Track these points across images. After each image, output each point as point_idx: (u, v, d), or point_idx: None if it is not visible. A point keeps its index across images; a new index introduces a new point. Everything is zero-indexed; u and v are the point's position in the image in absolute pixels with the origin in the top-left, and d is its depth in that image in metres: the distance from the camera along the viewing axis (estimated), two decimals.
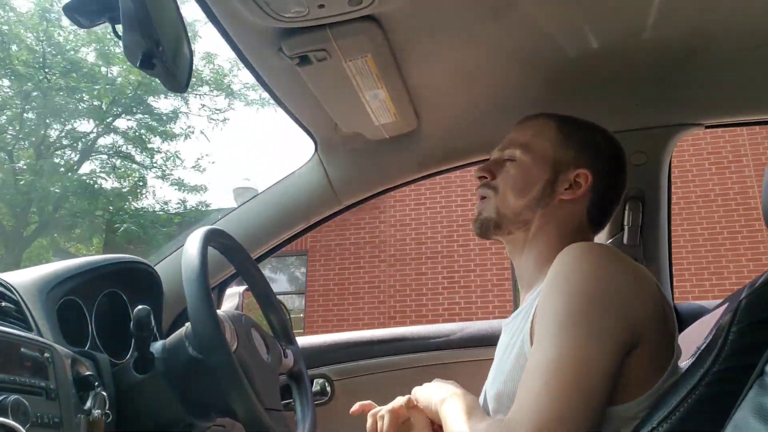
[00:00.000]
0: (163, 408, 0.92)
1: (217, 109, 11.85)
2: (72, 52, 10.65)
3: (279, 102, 1.23)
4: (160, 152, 11.54)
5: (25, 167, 10.95)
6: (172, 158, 11.48)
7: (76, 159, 11.46)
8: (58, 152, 11.44)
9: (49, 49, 10.53)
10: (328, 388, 1.51)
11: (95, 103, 10.93)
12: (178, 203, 11.42)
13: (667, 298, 0.86)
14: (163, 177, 11.49)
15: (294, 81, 1.11)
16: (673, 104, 1.29)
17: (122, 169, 11.40)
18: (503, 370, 0.88)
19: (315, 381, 1.50)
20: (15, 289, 0.93)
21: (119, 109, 11.10)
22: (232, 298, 1.39)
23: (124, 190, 11.26)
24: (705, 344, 0.73)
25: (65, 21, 10.36)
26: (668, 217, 1.38)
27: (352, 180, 1.46)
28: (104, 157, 11.55)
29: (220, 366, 0.83)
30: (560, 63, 1.18)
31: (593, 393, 0.73)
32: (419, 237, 9.05)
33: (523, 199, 0.98)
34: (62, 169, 11.15)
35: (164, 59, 0.81)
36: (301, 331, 9.03)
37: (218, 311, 0.90)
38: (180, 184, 11.33)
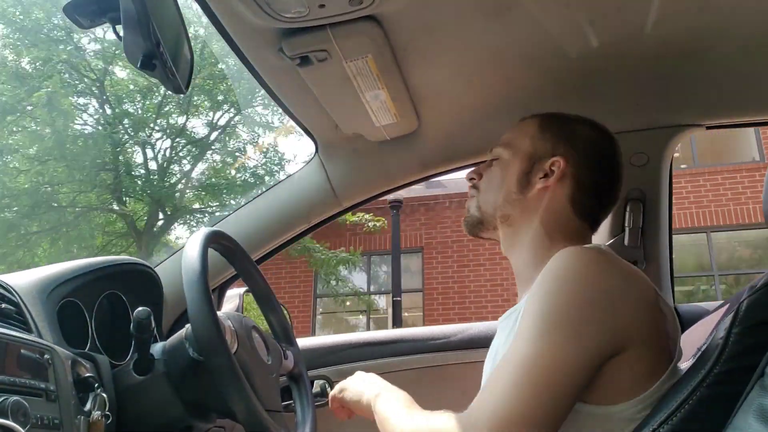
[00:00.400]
0: (163, 409, 0.92)
1: None
2: None
3: (279, 103, 1.22)
4: None
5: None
6: None
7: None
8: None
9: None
10: (329, 390, 1.50)
11: None
12: None
13: (665, 301, 0.86)
14: None
15: (294, 81, 1.11)
16: (673, 105, 1.29)
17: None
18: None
19: (315, 382, 1.50)
20: (15, 290, 0.93)
21: None
22: (233, 300, 1.39)
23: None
24: (706, 346, 0.72)
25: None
26: (669, 218, 1.37)
27: (353, 181, 1.46)
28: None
29: (221, 368, 0.83)
30: (561, 63, 1.18)
31: (560, 395, 0.74)
32: None
33: (501, 194, 1.00)
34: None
35: (165, 60, 0.81)
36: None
37: (218, 313, 0.89)
38: None
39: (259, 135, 11.92)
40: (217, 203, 11.07)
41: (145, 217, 10.88)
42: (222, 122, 11.50)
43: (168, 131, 11.21)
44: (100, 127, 10.63)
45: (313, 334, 9.74)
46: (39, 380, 0.76)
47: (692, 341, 0.91)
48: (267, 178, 11.04)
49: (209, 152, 11.61)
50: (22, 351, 0.76)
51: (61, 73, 10.22)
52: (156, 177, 10.92)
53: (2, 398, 0.68)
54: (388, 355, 1.53)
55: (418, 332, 1.58)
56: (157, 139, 11.15)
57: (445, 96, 1.27)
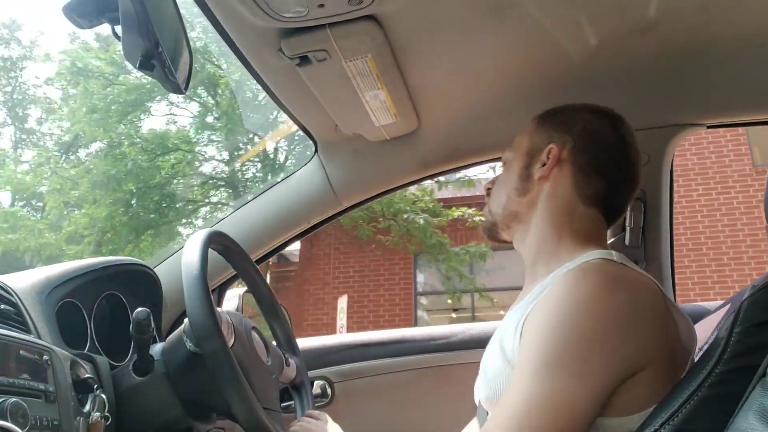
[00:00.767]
0: (163, 410, 0.92)
1: None
2: None
3: (279, 103, 1.22)
4: None
5: None
6: None
7: None
8: None
9: None
10: (329, 390, 1.50)
11: None
12: None
13: (676, 306, 0.84)
14: None
15: (294, 81, 1.11)
16: (674, 104, 1.29)
17: None
18: (489, 372, 0.88)
19: (315, 383, 1.50)
20: (14, 291, 0.93)
21: None
22: (232, 300, 1.39)
23: None
24: (707, 345, 0.72)
25: None
26: (670, 217, 1.37)
27: (353, 181, 1.46)
28: None
29: (214, 353, 0.82)
30: (561, 63, 1.17)
31: None
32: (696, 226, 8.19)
33: (505, 192, 1.02)
34: None
35: (163, 60, 0.80)
36: None
37: (217, 308, 0.89)
38: None
39: None
40: None
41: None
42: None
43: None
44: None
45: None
46: (38, 381, 0.76)
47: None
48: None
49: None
50: (21, 352, 0.76)
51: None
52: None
53: (1, 399, 0.68)
54: (389, 355, 1.53)
55: (418, 332, 1.57)
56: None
57: (444, 96, 1.27)
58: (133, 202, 9.31)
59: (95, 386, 0.85)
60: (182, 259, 0.89)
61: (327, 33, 0.96)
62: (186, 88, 0.91)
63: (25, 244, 9.45)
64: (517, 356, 0.80)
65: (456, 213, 8.40)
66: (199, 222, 10.21)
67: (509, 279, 8.15)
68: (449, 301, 9.59)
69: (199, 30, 8.85)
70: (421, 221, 8.22)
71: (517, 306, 0.92)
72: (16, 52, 15.60)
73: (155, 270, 1.28)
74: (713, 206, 8.16)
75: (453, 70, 1.18)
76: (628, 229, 1.33)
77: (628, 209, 1.33)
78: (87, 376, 0.86)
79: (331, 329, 8.83)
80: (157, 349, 0.95)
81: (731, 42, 1.13)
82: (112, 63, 9.50)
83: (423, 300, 9.86)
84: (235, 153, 10.32)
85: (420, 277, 9.72)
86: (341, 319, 8.48)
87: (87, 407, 0.82)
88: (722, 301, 1.22)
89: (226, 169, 10.37)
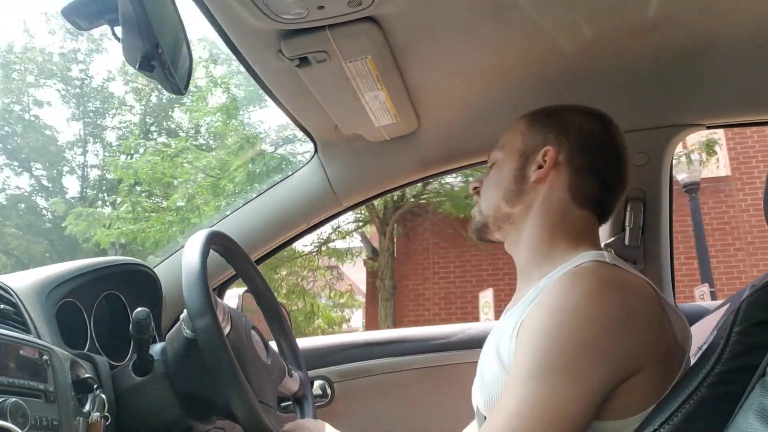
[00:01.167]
0: (163, 410, 0.92)
1: None
2: None
3: (278, 103, 1.22)
4: None
5: None
6: None
7: None
8: None
9: None
10: (329, 390, 1.50)
11: None
12: None
13: (671, 306, 0.84)
14: None
15: (294, 82, 1.11)
16: (674, 104, 1.29)
17: None
18: (487, 375, 0.87)
19: (315, 383, 1.50)
20: (13, 291, 0.93)
21: None
22: (232, 300, 1.39)
23: None
24: (707, 345, 0.72)
25: None
26: (670, 217, 1.37)
27: (353, 181, 1.46)
28: None
29: (206, 331, 0.81)
30: (560, 63, 1.17)
31: None
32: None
33: (498, 194, 1.00)
34: None
35: (163, 61, 0.80)
36: None
37: (216, 298, 0.89)
38: None
39: None
40: None
41: None
42: None
43: None
44: None
45: None
46: (38, 381, 0.76)
47: (693, 341, 0.91)
48: None
49: None
50: (21, 352, 0.76)
51: None
52: None
53: (1, 399, 0.68)
54: (388, 355, 1.53)
55: (418, 332, 1.58)
56: None
57: (444, 96, 1.27)
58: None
59: (95, 386, 0.85)
60: (182, 258, 0.89)
61: (327, 34, 0.96)
62: (186, 88, 0.91)
63: (148, 235, 8.54)
64: (512, 361, 0.80)
65: None
66: None
67: None
68: None
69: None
70: None
71: (513, 310, 0.92)
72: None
73: (155, 270, 1.28)
74: None
75: (452, 71, 1.18)
76: (627, 229, 1.33)
77: (628, 209, 1.33)
78: (87, 376, 0.86)
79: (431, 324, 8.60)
80: (156, 349, 0.95)
81: (731, 42, 1.14)
82: None
83: None
84: None
85: None
86: (487, 313, 7.90)
87: (87, 407, 0.82)
88: (721, 301, 1.22)
89: None
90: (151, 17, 0.77)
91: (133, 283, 1.21)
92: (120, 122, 15.91)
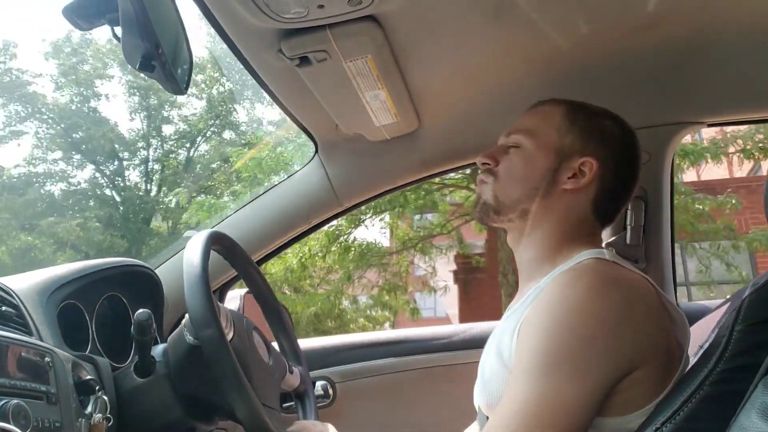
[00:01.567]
0: (165, 411, 0.92)
1: None
2: None
3: (279, 103, 1.22)
4: None
5: None
6: None
7: None
8: None
9: None
10: (330, 391, 1.50)
11: None
12: None
13: (672, 304, 0.84)
14: None
15: (294, 82, 1.11)
16: (675, 102, 1.29)
17: None
18: (487, 377, 0.87)
19: (317, 383, 1.50)
20: (15, 293, 0.93)
21: None
22: (234, 301, 1.39)
23: None
24: (708, 344, 0.72)
25: None
26: (671, 216, 1.37)
27: (353, 181, 1.46)
28: None
29: (210, 341, 0.82)
30: (561, 62, 1.17)
31: None
32: None
33: (523, 188, 0.94)
34: None
35: (164, 61, 0.80)
36: None
37: (218, 303, 0.89)
38: None
39: None
40: None
41: None
42: None
43: None
44: None
45: None
46: (40, 383, 0.76)
47: (695, 339, 0.91)
48: None
49: None
50: (23, 354, 0.76)
51: None
52: None
53: (3, 401, 0.68)
54: (390, 355, 1.53)
55: (419, 332, 1.58)
56: None
57: (445, 95, 1.27)
58: None
59: (97, 388, 0.85)
60: (184, 261, 0.89)
61: (327, 33, 0.96)
62: (186, 88, 0.91)
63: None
64: (513, 359, 0.80)
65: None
66: None
67: None
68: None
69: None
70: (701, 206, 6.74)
71: (514, 308, 0.92)
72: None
73: (156, 271, 1.28)
74: None
75: (453, 70, 1.18)
76: (629, 227, 1.33)
77: (629, 208, 1.33)
78: (88, 377, 0.86)
79: None
80: (158, 350, 0.95)
81: (732, 40, 1.13)
82: None
83: None
84: None
85: None
86: None
87: (89, 409, 0.82)
88: (723, 300, 1.22)
89: None
90: (151, 17, 0.76)
91: (135, 284, 1.21)
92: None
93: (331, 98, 1.17)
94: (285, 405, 1.35)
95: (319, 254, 7.47)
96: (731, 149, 6.51)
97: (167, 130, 15.46)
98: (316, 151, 1.42)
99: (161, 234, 14.18)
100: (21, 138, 14.44)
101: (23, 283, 0.97)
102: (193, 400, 0.93)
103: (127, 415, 0.90)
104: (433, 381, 1.50)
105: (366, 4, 0.90)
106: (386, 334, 1.61)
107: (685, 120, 1.31)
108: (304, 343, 1.48)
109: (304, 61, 1.02)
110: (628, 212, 1.33)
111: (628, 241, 1.33)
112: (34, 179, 14.43)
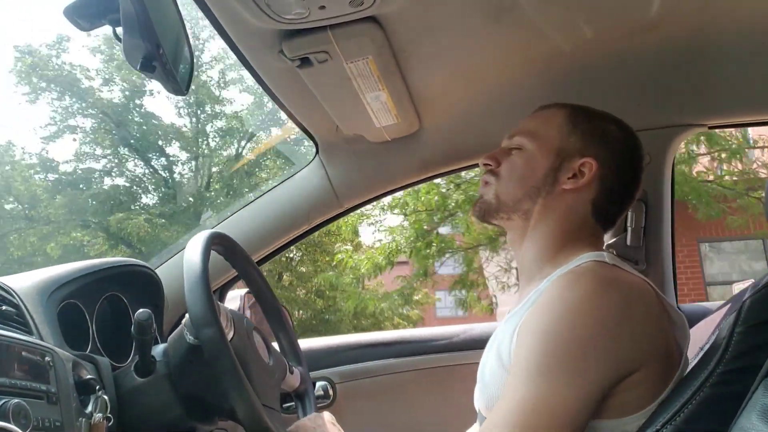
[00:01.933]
0: (165, 411, 0.92)
1: None
2: None
3: (279, 104, 1.22)
4: None
5: None
6: None
7: None
8: None
9: None
10: (331, 391, 1.50)
11: None
12: None
13: (672, 306, 0.84)
14: None
15: (295, 83, 1.11)
16: (676, 105, 1.29)
17: None
18: (488, 378, 0.87)
19: (317, 384, 1.50)
20: (15, 292, 0.93)
21: None
22: (234, 301, 1.39)
23: None
24: (709, 345, 0.72)
25: None
26: (672, 218, 1.37)
27: (354, 182, 1.46)
28: None
29: (211, 341, 0.82)
30: (562, 63, 1.17)
31: None
32: None
33: (525, 188, 0.96)
34: None
35: (165, 62, 0.80)
36: None
37: (218, 302, 0.89)
38: None
39: None
40: None
41: None
42: None
43: None
44: None
45: None
46: (40, 382, 0.76)
47: (695, 341, 0.91)
48: None
49: None
50: (23, 353, 0.76)
51: None
52: None
53: (3, 401, 0.68)
54: (391, 356, 1.53)
55: (420, 333, 1.58)
56: None
57: (446, 97, 1.27)
58: None
59: (97, 387, 0.85)
60: (184, 261, 0.89)
61: (328, 34, 0.96)
62: (187, 89, 0.91)
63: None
64: (512, 361, 0.80)
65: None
66: None
67: None
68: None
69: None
70: None
71: (514, 311, 0.92)
72: None
73: (157, 271, 1.28)
74: None
75: (454, 71, 1.18)
76: (629, 229, 1.33)
77: (630, 210, 1.33)
78: (89, 377, 0.86)
79: None
80: (158, 350, 0.95)
81: (733, 41, 1.13)
82: None
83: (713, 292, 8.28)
84: None
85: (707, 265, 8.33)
86: None
87: (89, 408, 0.82)
88: (723, 301, 1.22)
89: None
90: (152, 17, 0.76)
91: (135, 284, 1.21)
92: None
93: (331, 99, 1.17)
94: (285, 405, 1.35)
95: (405, 249, 7.33)
96: None
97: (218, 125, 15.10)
98: (317, 152, 1.42)
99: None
100: (76, 133, 14.04)
101: (24, 283, 0.97)
102: (193, 399, 0.93)
103: (127, 415, 0.90)
104: (434, 382, 1.50)
105: (367, 5, 0.90)
106: (387, 334, 1.61)
107: (685, 122, 1.31)
108: (305, 343, 1.48)
109: (305, 62, 1.02)
110: (629, 214, 1.33)
111: (628, 242, 1.33)
112: (92, 175, 14.09)
